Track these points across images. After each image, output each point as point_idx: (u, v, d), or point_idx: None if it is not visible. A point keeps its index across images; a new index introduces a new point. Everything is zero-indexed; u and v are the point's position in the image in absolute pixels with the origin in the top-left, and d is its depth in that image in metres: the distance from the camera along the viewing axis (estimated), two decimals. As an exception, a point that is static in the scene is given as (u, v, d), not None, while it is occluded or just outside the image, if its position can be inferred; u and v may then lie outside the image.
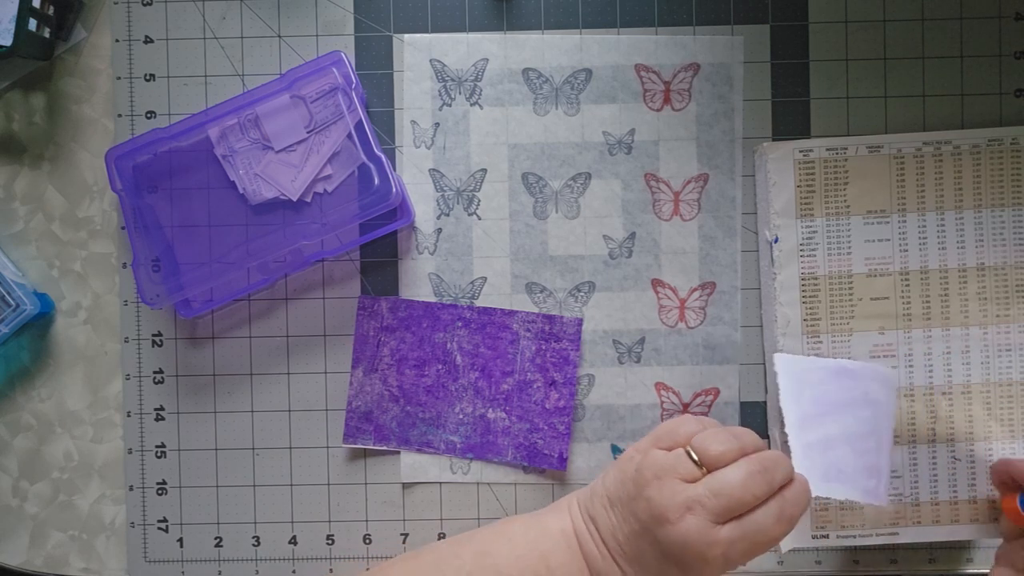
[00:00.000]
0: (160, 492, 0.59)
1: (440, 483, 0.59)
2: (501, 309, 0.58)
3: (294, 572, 0.59)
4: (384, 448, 0.58)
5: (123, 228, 0.59)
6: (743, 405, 0.59)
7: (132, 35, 0.58)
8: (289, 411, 0.59)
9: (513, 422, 0.58)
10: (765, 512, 0.43)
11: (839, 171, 0.57)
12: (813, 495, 0.46)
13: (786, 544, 0.57)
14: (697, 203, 0.58)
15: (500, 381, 0.58)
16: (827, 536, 0.57)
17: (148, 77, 0.59)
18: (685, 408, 0.58)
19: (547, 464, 0.58)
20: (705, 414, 0.58)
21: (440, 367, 0.58)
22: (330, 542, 0.59)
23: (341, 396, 0.58)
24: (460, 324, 0.58)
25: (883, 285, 0.57)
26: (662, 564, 0.45)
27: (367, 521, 0.59)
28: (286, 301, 0.59)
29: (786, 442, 0.50)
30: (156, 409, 0.59)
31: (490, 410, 0.58)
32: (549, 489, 0.58)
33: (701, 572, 0.44)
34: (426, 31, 0.58)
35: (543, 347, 0.58)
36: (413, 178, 0.59)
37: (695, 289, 0.58)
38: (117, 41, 0.59)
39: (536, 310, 0.58)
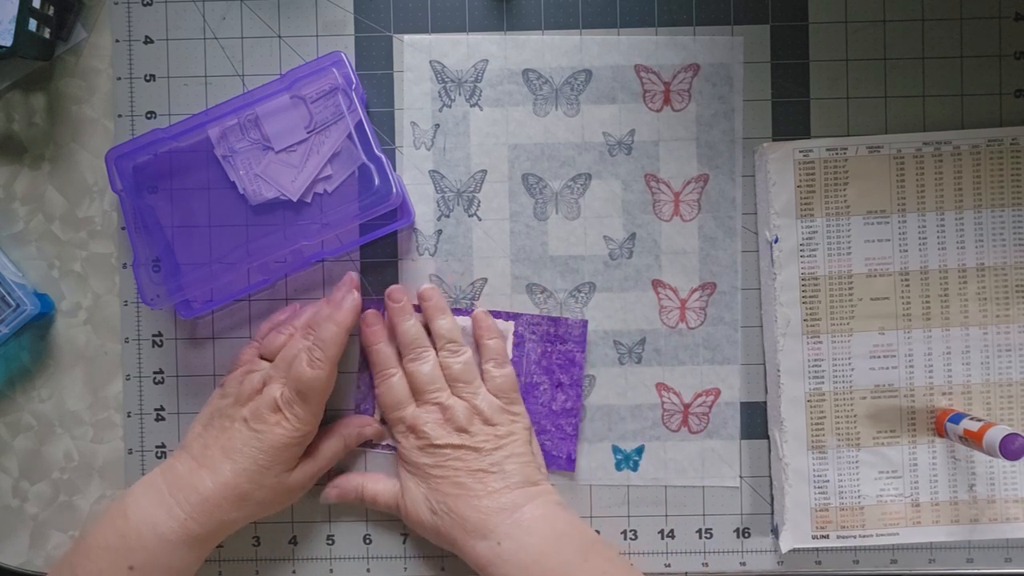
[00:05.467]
0: (160, 492, 0.59)
1: (440, 483, 0.59)
2: (506, 312, 0.58)
3: (294, 572, 0.59)
4: (387, 450, 0.58)
5: (123, 228, 0.59)
6: (743, 405, 0.59)
7: (132, 35, 0.58)
8: (289, 411, 0.59)
9: None
10: (299, 357, 0.53)
11: (839, 171, 0.57)
12: None
13: (786, 544, 0.57)
14: (697, 203, 0.58)
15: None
16: (827, 536, 0.57)
17: (148, 77, 0.59)
18: (686, 409, 0.58)
19: (555, 465, 0.58)
20: (706, 414, 0.58)
21: None
22: (330, 542, 0.59)
23: (341, 396, 0.58)
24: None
25: (883, 285, 0.57)
26: (247, 435, 0.52)
27: (367, 521, 0.59)
28: (286, 301, 0.59)
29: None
30: (156, 409, 0.59)
31: None
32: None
33: (273, 430, 0.52)
34: (426, 31, 0.58)
35: (548, 349, 0.58)
36: (413, 179, 0.59)
37: (695, 289, 0.58)
38: (117, 41, 0.59)
39: (537, 311, 0.58)
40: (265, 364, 0.55)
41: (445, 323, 0.56)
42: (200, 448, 0.53)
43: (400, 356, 0.57)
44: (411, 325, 0.56)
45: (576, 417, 0.58)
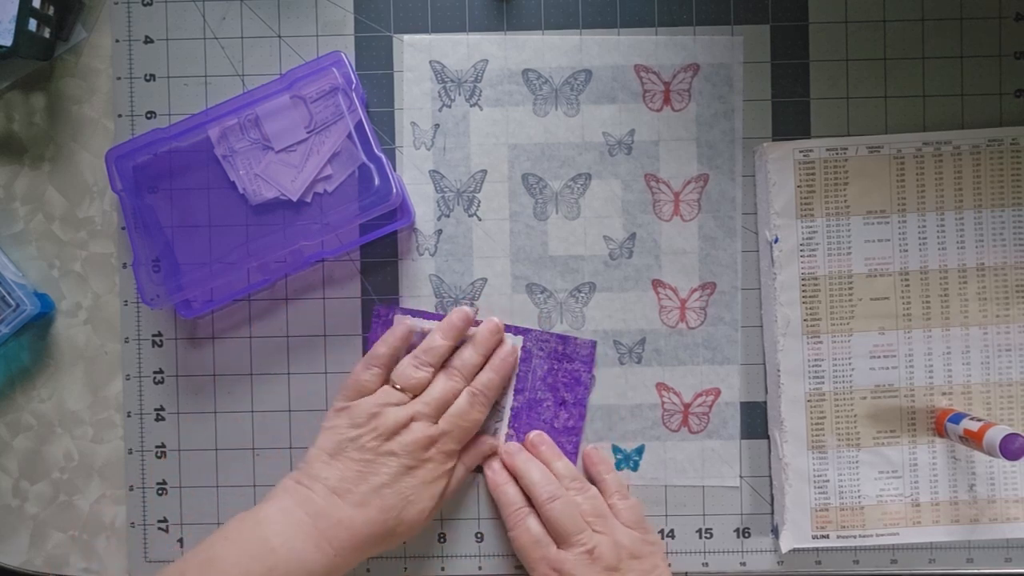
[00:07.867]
0: (160, 492, 0.59)
1: (440, 483, 0.59)
2: (516, 326, 0.58)
3: (294, 572, 0.59)
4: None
5: (123, 228, 0.59)
6: (743, 405, 0.59)
7: (132, 35, 0.58)
8: (289, 411, 0.59)
9: (520, 439, 0.58)
10: (459, 400, 0.55)
11: (839, 171, 0.57)
12: None
13: (786, 544, 0.57)
14: (697, 203, 0.58)
15: (510, 397, 0.58)
16: (827, 536, 0.57)
17: (148, 77, 0.59)
18: (686, 408, 0.58)
19: None
20: (706, 414, 0.58)
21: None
22: (330, 542, 0.59)
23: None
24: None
25: (883, 285, 0.57)
26: (400, 472, 0.53)
27: (367, 521, 0.59)
28: (286, 301, 0.59)
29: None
30: (156, 409, 0.59)
31: (498, 426, 0.58)
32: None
33: (424, 466, 0.53)
34: (426, 31, 0.58)
35: (555, 367, 0.58)
36: (413, 179, 0.59)
37: (695, 289, 0.58)
38: (117, 41, 0.59)
39: (536, 311, 0.58)
40: (398, 395, 0.54)
41: (562, 465, 0.57)
42: (338, 481, 0.52)
43: (527, 499, 0.56)
44: (537, 466, 0.56)
45: (578, 436, 0.58)
